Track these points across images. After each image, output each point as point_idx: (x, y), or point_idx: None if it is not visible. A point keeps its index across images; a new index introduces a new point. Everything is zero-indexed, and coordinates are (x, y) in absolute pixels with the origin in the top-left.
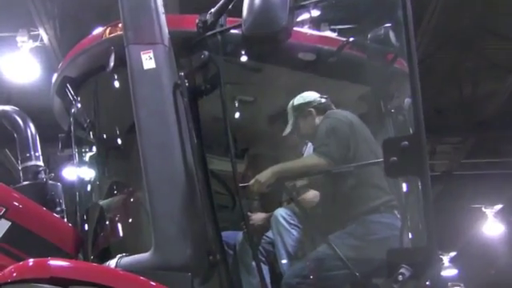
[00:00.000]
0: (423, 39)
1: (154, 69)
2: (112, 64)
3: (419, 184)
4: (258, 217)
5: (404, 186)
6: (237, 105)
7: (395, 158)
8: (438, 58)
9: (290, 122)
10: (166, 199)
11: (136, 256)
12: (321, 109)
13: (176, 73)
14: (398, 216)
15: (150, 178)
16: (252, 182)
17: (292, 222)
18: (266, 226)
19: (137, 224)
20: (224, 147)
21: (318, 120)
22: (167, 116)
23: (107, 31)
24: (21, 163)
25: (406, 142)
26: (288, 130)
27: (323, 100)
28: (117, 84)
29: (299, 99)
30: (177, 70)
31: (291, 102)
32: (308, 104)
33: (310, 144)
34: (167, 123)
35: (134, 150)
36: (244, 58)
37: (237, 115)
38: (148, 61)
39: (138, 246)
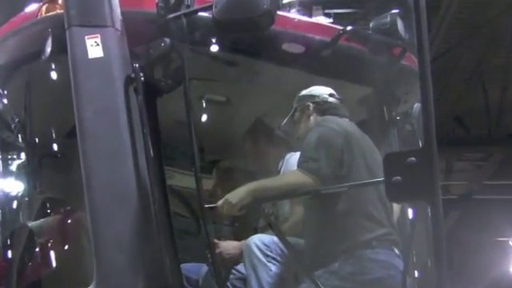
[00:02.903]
0: (440, 30)
1: (101, 58)
2: (49, 50)
3: (428, 211)
4: (226, 246)
5: (409, 213)
6: (205, 106)
7: (399, 178)
8: (459, 53)
9: (290, 114)
10: (113, 221)
11: None
12: (323, 109)
13: (129, 64)
14: (397, 253)
15: (93, 195)
16: (221, 202)
17: (269, 253)
18: (237, 257)
19: (76, 251)
20: (187, 158)
21: (313, 120)
22: (117, 117)
23: (43, 9)
24: None
25: (413, 158)
26: (284, 122)
27: (330, 99)
28: (54, 76)
29: (305, 91)
30: (130, 60)
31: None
32: (309, 97)
33: (287, 157)
34: (116, 126)
35: (74, 159)
36: (215, 48)
37: (204, 119)
38: (94, 48)
39: (77, 278)
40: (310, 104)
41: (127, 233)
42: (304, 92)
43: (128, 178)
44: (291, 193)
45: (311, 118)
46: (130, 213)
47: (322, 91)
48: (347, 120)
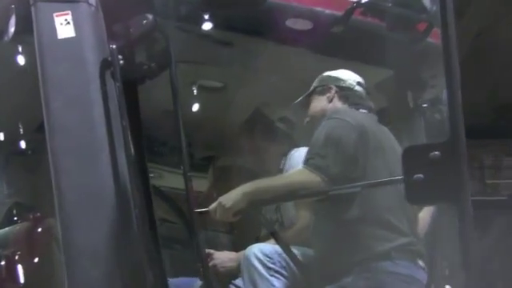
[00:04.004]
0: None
1: (72, 38)
2: (12, 30)
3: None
4: (222, 257)
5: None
6: (196, 93)
7: (420, 175)
8: (501, 29)
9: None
10: (87, 228)
11: None
12: (345, 96)
13: (106, 45)
14: (422, 265)
15: (63, 198)
16: (213, 206)
17: (271, 265)
18: (234, 270)
19: (46, 264)
20: (176, 154)
21: (331, 106)
22: (90, 108)
23: None
24: None
25: (437, 152)
26: (297, 100)
27: (357, 88)
28: (19, 60)
29: (331, 71)
30: (107, 41)
31: None
32: (334, 80)
33: (291, 153)
34: (90, 118)
35: (42, 157)
36: (206, 26)
37: (196, 108)
38: (64, 26)
39: None
40: (333, 87)
41: (103, 242)
42: (330, 72)
43: (104, 178)
44: (294, 194)
45: (330, 103)
46: (107, 219)
47: (351, 76)
48: (366, 112)
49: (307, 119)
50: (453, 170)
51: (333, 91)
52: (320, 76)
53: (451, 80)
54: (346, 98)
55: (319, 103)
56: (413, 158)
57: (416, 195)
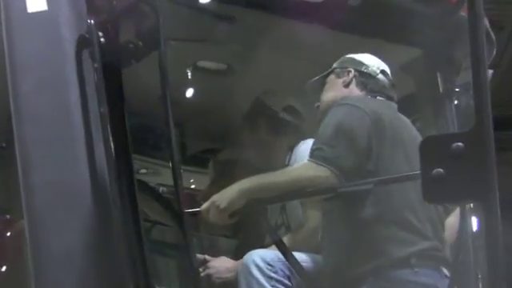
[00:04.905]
0: None
1: (44, 12)
2: None
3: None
4: (218, 266)
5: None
6: (193, 76)
7: (440, 170)
8: None
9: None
10: (58, 230)
11: None
12: (365, 83)
13: (84, 20)
14: (446, 274)
15: (31, 195)
16: (206, 205)
17: (273, 274)
18: (231, 279)
19: (16, 273)
20: (167, 147)
21: (347, 91)
22: (65, 92)
23: None
24: None
25: (460, 143)
26: (313, 79)
27: (380, 77)
28: None
29: (355, 54)
30: (85, 15)
31: None
32: (356, 63)
33: (298, 146)
34: (65, 105)
35: (11, 150)
36: None
37: (194, 94)
38: None
39: None
40: (352, 70)
41: (77, 246)
42: (354, 55)
43: (80, 173)
44: (300, 192)
45: (345, 88)
46: (83, 220)
47: (375, 63)
48: (383, 100)
49: (317, 103)
50: (478, 164)
51: (351, 75)
52: (343, 57)
53: (477, 59)
54: (364, 86)
55: (333, 87)
56: (432, 150)
57: (435, 192)
